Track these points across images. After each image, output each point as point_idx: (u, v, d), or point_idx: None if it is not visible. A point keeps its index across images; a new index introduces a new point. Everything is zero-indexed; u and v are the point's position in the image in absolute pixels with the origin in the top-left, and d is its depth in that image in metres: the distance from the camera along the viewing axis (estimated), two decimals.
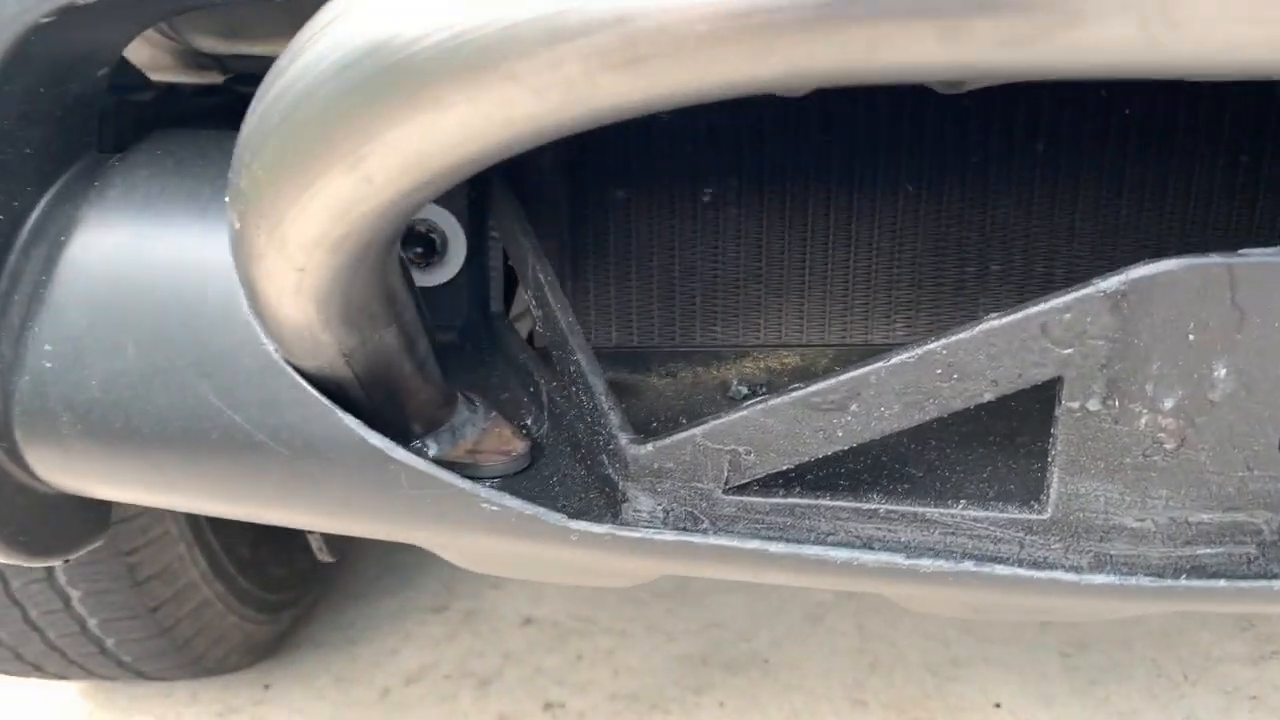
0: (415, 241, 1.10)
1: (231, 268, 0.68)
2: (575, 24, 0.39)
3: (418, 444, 0.84)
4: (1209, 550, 0.69)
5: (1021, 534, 0.70)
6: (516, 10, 0.40)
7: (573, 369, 0.82)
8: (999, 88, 1.01)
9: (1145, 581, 0.69)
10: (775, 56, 0.38)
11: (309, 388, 0.70)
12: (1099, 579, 0.68)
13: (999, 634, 1.97)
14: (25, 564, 1.12)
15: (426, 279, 1.11)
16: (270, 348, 0.70)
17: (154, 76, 1.25)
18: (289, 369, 0.70)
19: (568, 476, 0.83)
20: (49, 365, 0.73)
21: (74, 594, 1.81)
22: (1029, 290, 1.35)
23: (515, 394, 0.97)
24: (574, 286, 1.32)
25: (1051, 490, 0.69)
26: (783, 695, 1.82)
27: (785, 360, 1.19)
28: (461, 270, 1.10)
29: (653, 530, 0.70)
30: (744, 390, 1.01)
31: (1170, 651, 1.91)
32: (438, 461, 0.84)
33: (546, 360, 0.95)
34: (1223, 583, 0.69)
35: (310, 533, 1.23)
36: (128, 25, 0.72)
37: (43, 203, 0.76)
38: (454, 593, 2.16)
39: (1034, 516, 0.70)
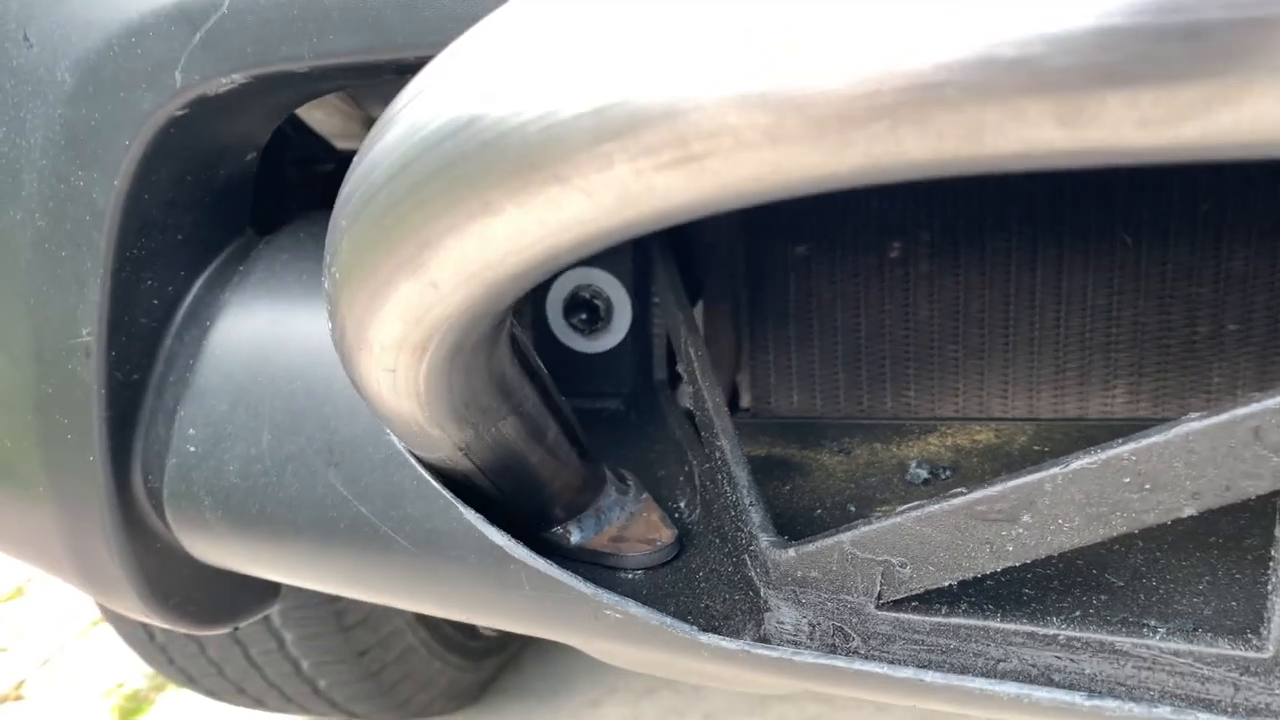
0: (580, 307, 1.07)
1: None
2: (621, 120, 0.33)
3: (559, 530, 0.80)
4: None
5: (1237, 674, 0.58)
6: (556, 107, 0.35)
7: (718, 455, 0.76)
8: None
9: None
10: (854, 150, 0.31)
11: (430, 480, 0.67)
12: None
13: None
14: (193, 632, 1.16)
15: (591, 345, 1.07)
16: (394, 438, 0.68)
17: (341, 145, 1.29)
18: (412, 460, 0.68)
19: (714, 572, 0.77)
20: (192, 449, 0.74)
21: (288, 636, 1.88)
22: (1272, 354, 1.18)
23: (671, 472, 0.92)
24: (752, 349, 1.26)
25: (1274, 624, 0.57)
26: None
27: (978, 437, 1.07)
28: (626, 337, 1.06)
29: (791, 650, 0.62)
30: (923, 474, 0.91)
31: None
32: (580, 549, 0.79)
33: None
34: None
35: None
36: (266, 112, 0.73)
37: (196, 287, 0.78)
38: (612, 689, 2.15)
39: (1254, 655, 0.58)
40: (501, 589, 0.67)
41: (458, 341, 0.51)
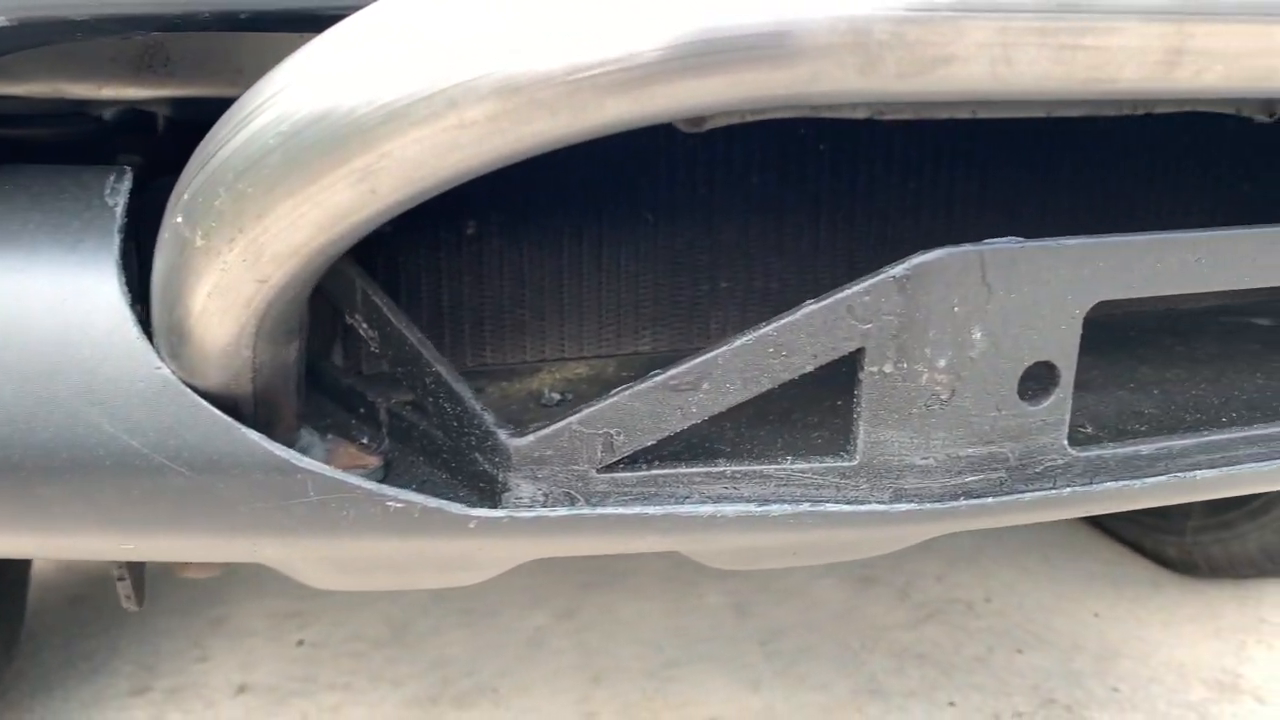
0: None
1: (119, 294, 0.71)
2: None
3: None
4: (975, 478, 0.89)
5: (837, 479, 0.86)
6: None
7: (430, 381, 0.89)
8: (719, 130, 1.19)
9: (932, 506, 0.87)
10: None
11: (210, 406, 0.73)
12: (900, 508, 0.85)
13: (704, 633, 2.17)
14: None
15: None
16: (168, 370, 0.72)
17: None
18: (187, 390, 0.73)
19: (428, 482, 0.90)
20: None
21: None
22: (751, 304, 1.55)
23: (340, 419, 1.01)
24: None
25: (858, 441, 0.86)
26: None
27: (577, 371, 1.30)
28: None
29: (546, 510, 0.79)
30: (556, 397, 1.12)
31: (849, 627, 2.19)
32: None
33: (378, 381, 1.01)
34: (989, 500, 0.88)
35: (120, 579, 1.17)
36: None
37: None
38: (155, 671, 2.05)
39: (846, 464, 0.86)
40: (285, 500, 0.75)
41: (304, 270, 0.61)
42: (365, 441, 0.98)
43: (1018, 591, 2.34)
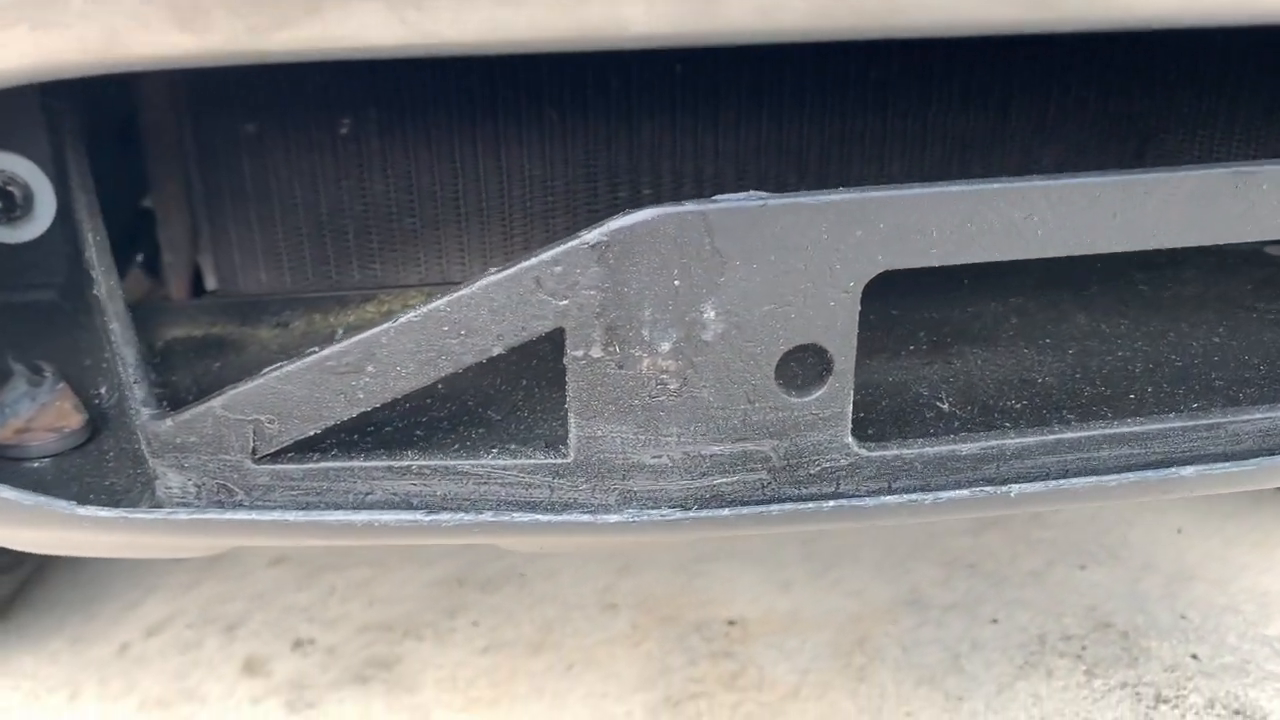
0: None
1: None
2: None
3: None
4: (725, 479, 0.73)
5: (550, 478, 0.72)
6: None
7: (112, 339, 0.79)
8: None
9: (668, 514, 0.72)
10: None
11: None
12: (617, 517, 0.71)
13: None
14: None
15: (13, 235, 1.04)
16: None
17: None
18: None
19: (124, 451, 0.80)
20: None
21: None
22: None
23: (97, 360, 0.93)
24: (212, 230, 1.27)
25: (572, 435, 0.71)
26: (536, 608, 1.84)
27: (412, 301, 1.17)
28: (54, 225, 1.04)
29: (167, 511, 0.68)
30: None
31: (900, 531, 2.00)
32: None
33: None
34: (743, 510, 0.73)
35: None
36: None
37: None
38: None
39: (560, 461, 0.72)
40: None
41: None
42: (103, 392, 0.89)
43: None
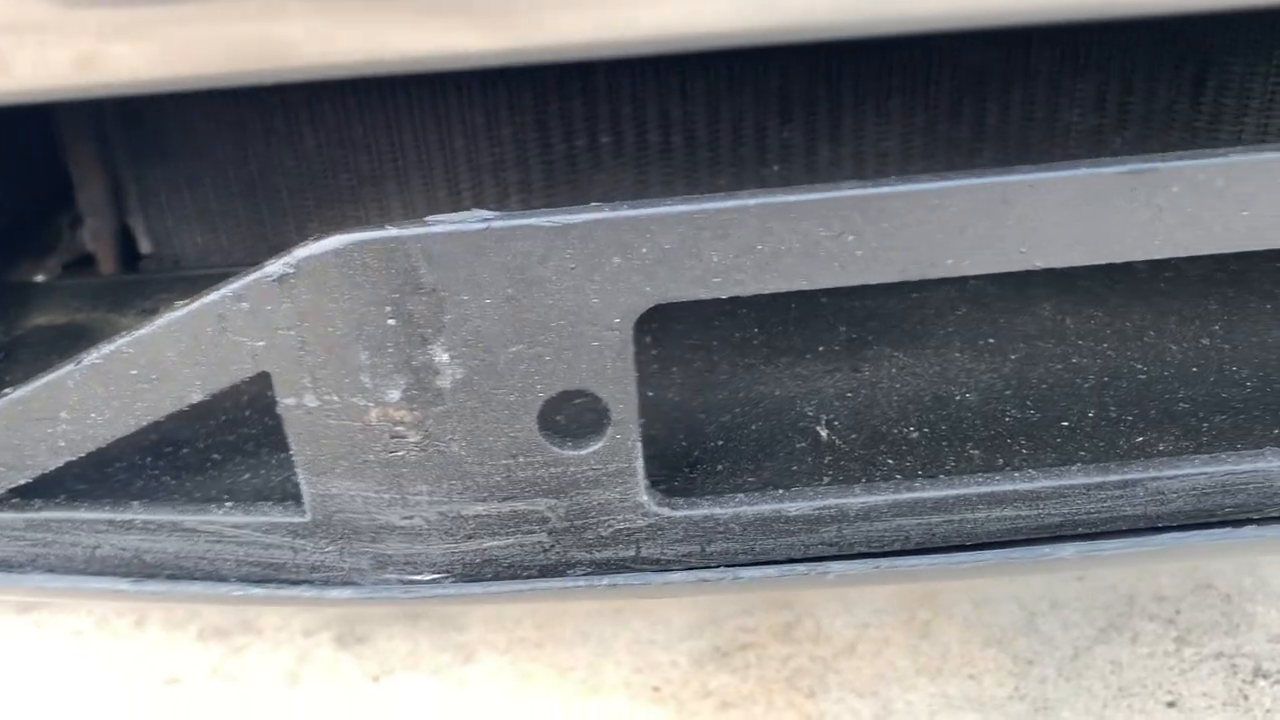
0: None
1: None
2: None
3: None
4: (497, 542, 0.61)
5: (290, 538, 0.62)
6: None
7: None
8: None
9: (430, 577, 0.61)
10: None
11: None
12: (332, 594, 0.60)
13: None
14: None
15: None
16: None
17: None
18: None
19: None
20: None
21: None
22: (647, 165, 1.22)
23: None
24: (140, 191, 1.19)
25: (304, 492, 0.60)
26: None
27: None
28: None
29: None
30: None
31: None
32: None
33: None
34: (521, 585, 0.61)
35: None
36: None
37: None
38: None
39: (297, 520, 0.61)
40: None
41: None
42: None
43: None
